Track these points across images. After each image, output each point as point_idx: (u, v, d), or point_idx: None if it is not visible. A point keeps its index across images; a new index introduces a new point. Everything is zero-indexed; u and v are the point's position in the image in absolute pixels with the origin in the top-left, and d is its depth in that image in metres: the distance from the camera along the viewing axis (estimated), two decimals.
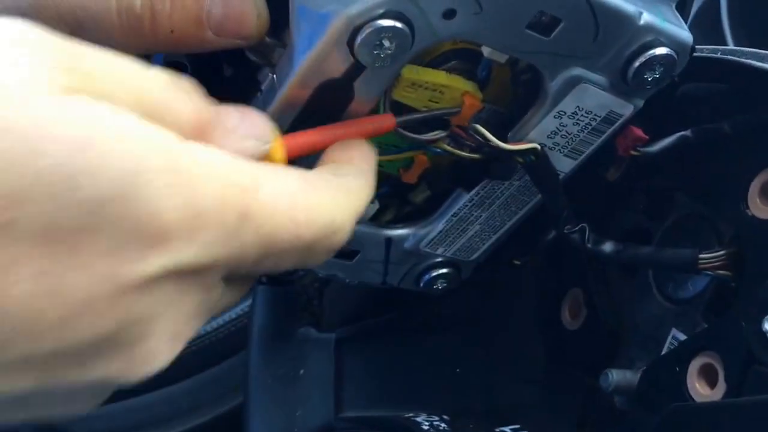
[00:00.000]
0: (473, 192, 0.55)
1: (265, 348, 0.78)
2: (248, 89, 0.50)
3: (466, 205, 0.56)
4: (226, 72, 0.51)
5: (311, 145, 0.45)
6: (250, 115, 0.42)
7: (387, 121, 0.47)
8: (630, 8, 0.47)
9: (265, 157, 0.41)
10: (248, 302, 0.97)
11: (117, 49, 0.49)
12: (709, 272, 0.53)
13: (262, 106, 0.47)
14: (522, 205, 0.57)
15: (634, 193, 0.62)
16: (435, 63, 0.49)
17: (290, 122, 0.47)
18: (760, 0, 0.80)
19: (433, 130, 0.51)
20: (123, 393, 1.01)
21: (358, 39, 0.43)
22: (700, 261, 0.52)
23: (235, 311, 1.04)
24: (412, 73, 0.48)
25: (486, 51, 0.48)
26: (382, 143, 0.51)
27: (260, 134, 0.41)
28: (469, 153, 0.52)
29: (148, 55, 0.52)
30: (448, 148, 0.52)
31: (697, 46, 0.51)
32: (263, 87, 0.48)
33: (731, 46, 0.61)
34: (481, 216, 0.57)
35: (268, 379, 0.71)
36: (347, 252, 0.57)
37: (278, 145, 0.42)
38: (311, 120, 0.47)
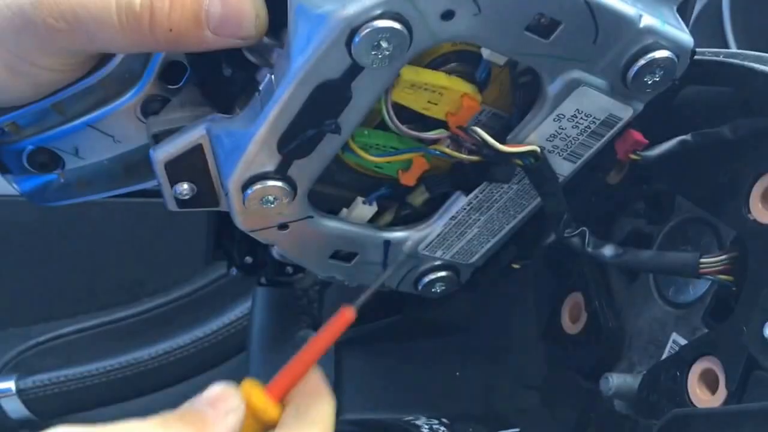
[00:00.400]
0: (472, 195, 0.55)
1: (264, 350, 0.79)
2: (247, 89, 0.50)
3: (465, 209, 0.56)
4: (225, 72, 0.51)
5: (290, 386, 0.46)
6: None
7: (347, 315, 0.47)
8: (630, 10, 0.46)
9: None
10: (248, 304, 0.97)
11: (117, 47, 0.50)
12: (710, 277, 0.53)
13: (260, 107, 0.47)
14: (521, 209, 0.57)
15: (634, 196, 0.62)
16: (434, 64, 0.49)
17: (288, 123, 0.47)
18: (762, 3, 0.80)
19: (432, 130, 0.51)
20: (120, 396, 1.03)
21: (356, 39, 0.43)
22: (701, 265, 0.52)
23: (235, 314, 1.05)
24: (412, 74, 0.48)
25: (485, 53, 0.48)
26: (381, 145, 0.51)
27: None
28: (467, 155, 0.52)
29: (149, 54, 0.52)
30: (447, 150, 0.52)
31: (698, 49, 0.51)
32: (261, 87, 0.48)
33: (733, 50, 0.61)
34: (479, 219, 0.57)
35: (269, 377, 0.72)
36: (346, 254, 0.57)
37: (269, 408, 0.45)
38: (308, 120, 0.47)
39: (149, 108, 0.54)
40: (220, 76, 0.52)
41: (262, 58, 0.49)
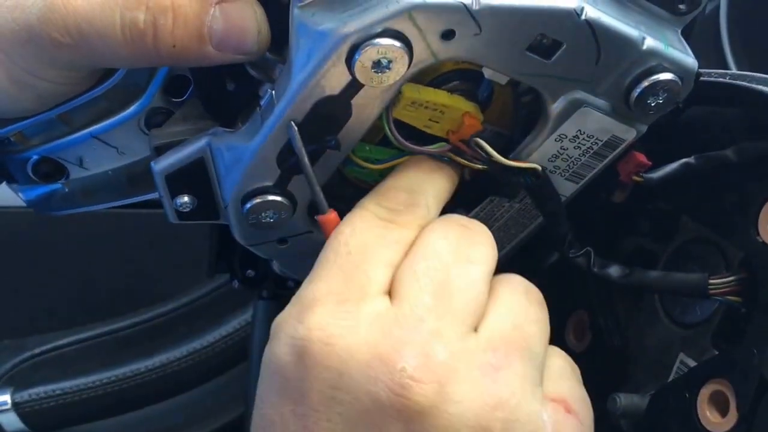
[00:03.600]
0: (473, 213, 0.57)
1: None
2: (249, 104, 0.52)
3: None
4: (228, 86, 0.54)
5: None
6: None
7: None
8: (633, 33, 0.49)
9: None
10: (246, 315, 1.00)
11: (121, 62, 0.53)
12: (719, 297, 0.54)
13: (261, 122, 0.50)
14: (522, 228, 0.60)
15: (639, 215, 0.63)
16: (436, 82, 0.51)
17: (287, 138, 0.49)
18: (760, 18, 0.81)
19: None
20: (118, 408, 1.04)
21: (356, 57, 0.45)
22: (710, 286, 0.54)
23: (233, 325, 1.07)
24: (413, 91, 0.50)
25: (487, 72, 0.50)
26: (383, 160, 0.54)
27: None
28: (472, 163, 0.54)
29: (153, 68, 0.56)
30: (455, 157, 0.54)
31: (704, 70, 0.53)
32: (262, 102, 0.50)
33: (738, 71, 0.63)
34: None
35: None
36: None
37: None
38: (308, 136, 0.49)
39: (153, 120, 0.57)
40: (223, 91, 0.54)
41: (264, 73, 0.52)
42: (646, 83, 0.50)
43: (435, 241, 0.49)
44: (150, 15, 0.49)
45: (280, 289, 0.74)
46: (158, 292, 1.13)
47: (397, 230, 0.50)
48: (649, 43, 0.49)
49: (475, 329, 0.48)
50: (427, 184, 0.52)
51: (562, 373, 0.51)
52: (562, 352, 0.53)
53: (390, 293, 0.48)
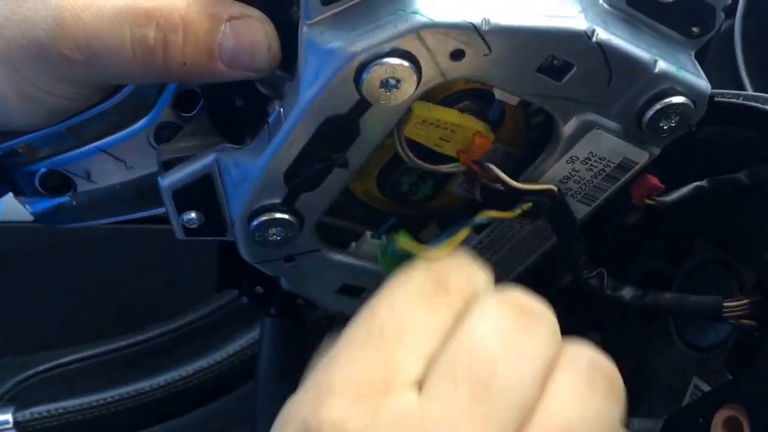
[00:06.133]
0: (483, 234, 0.59)
1: (273, 384, 0.83)
2: (258, 121, 0.54)
3: (476, 248, 0.60)
4: (238, 103, 0.56)
5: None
6: None
7: None
8: (645, 55, 0.50)
9: None
10: (254, 333, 1.01)
11: (130, 79, 0.55)
12: (734, 321, 0.56)
13: (268, 139, 0.52)
14: (533, 250, 0.61)
15: (652, 236, 0.65)
16: (447, 101, 0.53)
17: (295, 156, 0.51)
18: None
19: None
20: (122, 428, 1.05)
21: (364, 76, 0.47)
22: (725, 309, 0.55)
23: (240, 344, 1.09)
24: (424, 110, 0.52)
25: (497, 92, 0.52)
26: None
27: None
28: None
29: (162, 83, 0.58)
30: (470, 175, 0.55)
31: (718, 91, 0.55)
32: (270, 119, 0.52)
33: (753, 92, 0.64)
34: (490, 259, 0.60)
35: (277, 411, 0.75)
36: (354, 288, 0.62)
37: None
38: (316, 154, 0.51)
39: (162, 135, 0.59)
40: (232, 107, 0.56)
41: (273, 90, 0.54)
42: (658, 106, 0.52)
43: (484, 329, 0.44)
44: (160, 32, 0.51)
45: (289, 306, 0.76)
46: (164, 309, 1.15)
47: (442, 316, 0.45)
48: (662, 66, 0.51)
49: None
50: (475, 267, 0.49)
51: None
52: None
53: (421, 386, 0.43)
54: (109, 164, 0.61)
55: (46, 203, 0.64)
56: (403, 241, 0.51)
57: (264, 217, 0.54)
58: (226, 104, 0.57)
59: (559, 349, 0.45)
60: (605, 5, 0.51)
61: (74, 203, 0.63)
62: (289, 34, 0.52)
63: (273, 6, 0.54)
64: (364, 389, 0.42)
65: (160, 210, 0.60)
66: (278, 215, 0.54)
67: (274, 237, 0.55)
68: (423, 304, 0.45)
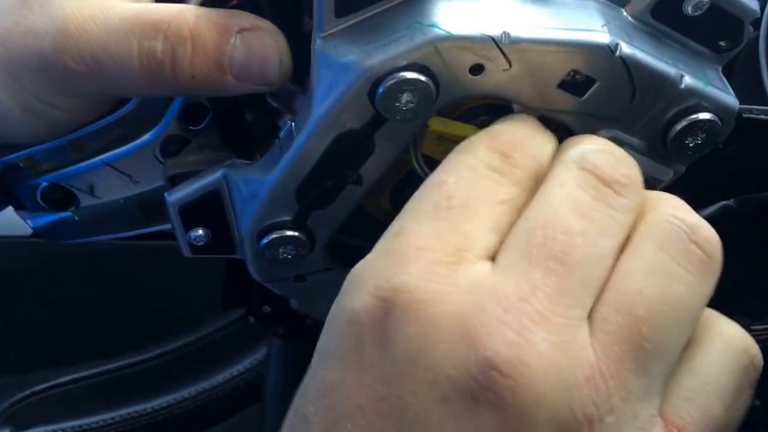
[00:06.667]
0: None
1: (281, 407, 0.83)
2: (268, 135, 0.55)
3: None
4: (247, 117, 0.57)
5: None
6: None
7: None
8: (670, 71, 0.50)
9: None
10: (259, 354, 1.01)
11: (137, 91, 0.56)
12: (761, 344, 0.56)
13: (279, 154, 0.52)
14: None
15: None
16: (464, 116, 0.53)
17: (307, 172, 0.52)
18: None
19: None
20: None
21: (379, 91, 0.47)
22: (752, 332, 0.55)
23: (244, 365, 1.08)
24: (440, 125, 0.51)
25: (516, 108, 0.51)
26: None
27: None
28: None
29: (169, 97, 0.58)
30: None
31: (746, 107, 0.54)
32: (281, 134, 0.53)
33: None
34: None
35: None
36: None
37: None
38: (329, 170, 0.51)
39: (169, 149, 0.59)
40: (241, 121, 0.57)
41: (284, 104, 0.54)
42: (684, 123, 0.52)
43: (560, 201, 0.44)
44: (168, 44, 0.51)
45: (298, 327, 0.76)
46: (166, 328, 1.15)
47: (510, 187, 0.45)
48: (688, 81, 0.51)
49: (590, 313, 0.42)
50: (544, 135, 0.49)
51: (701, 388, 0.44)
52: (727, 348, 0.46)
53: (494, 259, 0.43)
54: (113, 178, 0.61)
55: (48, 218, 0.64)
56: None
57: (274, 235, 0.54)
58: (235, 118, 0.57)
59: (645, 216, 0.45)
60: (629, 18, 0.51)
61: (76, 218, 0.64)
62: (301, 47, 0.52)
63: (284, 17, 0.54)
64: (438, 257, 0.42)
65: (166, 226, 0.60)
66: (289, 233, 0.54)
67: (285, 255, 0.55)
68: (489, 177, 0.45)
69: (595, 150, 0.46)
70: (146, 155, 0.60)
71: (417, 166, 0.53)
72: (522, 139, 0.48)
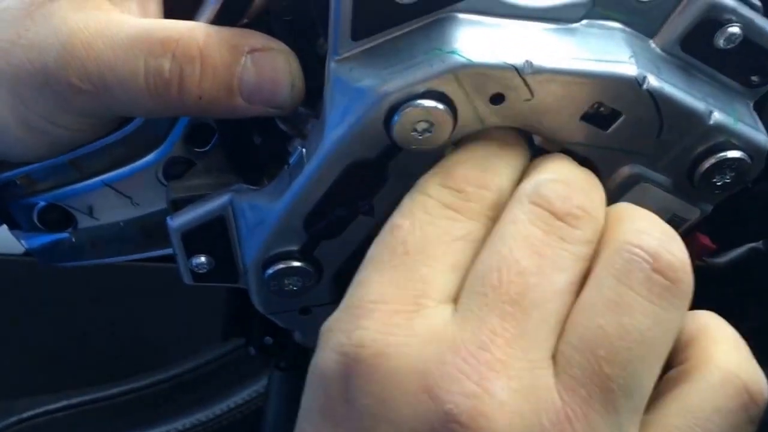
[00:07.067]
0: None
1: None
2: (277, 160, 0.54)
3: None
4: (255, 140, 0.56)
5: None
6: None
7: None
8: (699, 106, 0.49)
9: None
10: (258, 386, 1.00)
11: (142, 112, 0.55)
12: None
13: (288, 181, 0.51)
14: None
15: (702, 298, 0.64)
16: None
17: (317, 201, 0.51)
18: None
19: None
20: None
21: (395, 118, 0.46)
22: None
23: (242, 396, 1.07)
24: None
25: (537, 139, 0.51)
26: None
27: None
28: None
29: (174, 116, 0.58)
30: None
31: None
32: (291, 160, 0.52)
33: None
34: None
35: None
36: None
37: None
38: (340, 200, 0.51)
39: (172, 170, 0.59)
40: (249, 144, 0.56)
41: (295, 128, 0.54)
42: (712, 160, 0.51)
43: (512, 240, 0.43)
44: (176, 64, 0.51)
45: (301, 359, 0.75)
46: (161, 355, 1.14)
47: (467, 222, 0.45)
48: (717, 117, 0.50)
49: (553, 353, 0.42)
50: (501, 161, 0.48)
51: (690, 429, 0.43)
52: (724, 383, 0.44)
53: (456, 304, 0.43)
54: (113, 200, 0.61)
55: (44, 239, 0.63)
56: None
57: (280, 266, 0.53)
58: (242, 141, 0.57)
59: (605, 245, 0.44)
60: (658, 50, 0.50)
61: (74, 240, 0.63)
62: (314, 68, 0.52)
63: (298, 37, 0.54)
64: (394, 307, 0.43)
65: (167, 251, 0.59)
66: (295, 264, 0.53)
67: (290, 287, 0.54)
68: (444, 215, 0.45)
69: (549, 180, 0.46)
70: (148, 177, 0.60)
71: None
72: (477, 170, 0.47)
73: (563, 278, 0.43)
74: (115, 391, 1.11)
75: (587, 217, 0.44)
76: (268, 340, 0.74)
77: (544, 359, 0.41)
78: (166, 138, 0.58)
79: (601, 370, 0.41)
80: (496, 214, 0.45)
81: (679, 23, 0.50)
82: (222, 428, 1.07)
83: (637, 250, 0.43)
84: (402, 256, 0.44)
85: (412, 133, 0.47)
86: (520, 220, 0.44)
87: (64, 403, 1.09)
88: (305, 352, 0.71)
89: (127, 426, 1.06)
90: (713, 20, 0.50)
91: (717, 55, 0.51)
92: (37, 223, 0.61)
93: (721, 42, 0.50)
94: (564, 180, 0.46)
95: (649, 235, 0.44)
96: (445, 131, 0.47)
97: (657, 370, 0.43)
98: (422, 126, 0.47)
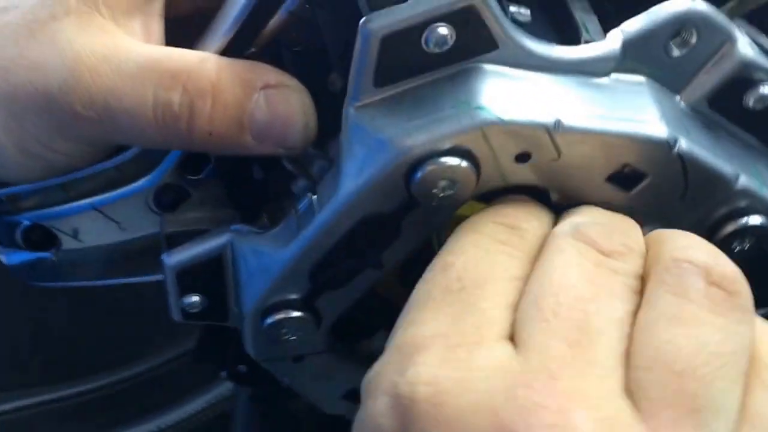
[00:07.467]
0: None
1: None
2: (279, 198, 0.53)
3: None
4: (256, 175, 0.54)
5: None
6: None
7: None
8: (727, 169, 0.48)
9: None
10: (210, 395, 0.97)
11: (147, 143, 0.53)
12: None
13: (296, 229, 0.49)
14: None
15: None
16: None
17: (325, 252, 0.49)
18: None
19: None
20: None
21: (417, 175, 0.45)
22: None
23: (200, 404, 1.04)
24: (467, 210, 0.49)
25: (554, 196, 0.49)
26: None
27: None
28: None
29: None
30: None
31: None
32: (300, 206, 0.50)
33: None
34: None
35: None
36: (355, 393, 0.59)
37: None
38: (349, 252, 0.49)
39: (164, 198, 0.57)
40: (248, 178, 0.54)
41: (301, 168, 0.52)
42: (732, 227, 0.50)
43: (565, 267, 0.42)
44: (187, 97, 0.49)
45: (275, 393, 0.73)
46: (117, 355, 1.09)
47: (523, 261, 0.43)
48: (743, 182, 0.49)
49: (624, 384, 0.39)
50: (539, 207, 0.47)
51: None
52: None
53: (512, 338, 0.41)
54: (100, 223, 0.59)
55: (25, 256, 0.61)
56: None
57: (280, 315, 0.52)
58: (241, 174, 0.55)
59: (652, 267, 0.42)
60: (684, 106, 0.49)
61: (55, 260, 0.61)
62: (326, 107, 0.50)
63: (308, 71, 0.52)
64: (454, 341, 0.40)
65: (150, 278, 0.58)
66: (296, 314, 0.52)
67: (288, 336, 0.53)
68: (500, 251, 0.43)
69: (587, 222, 0.44)
70: (138, 202, 0.57)
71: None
72: (525, 212, 0.46)
73: (621, 307, 0.41)
74: (73, 390, 1.06)
75: (632, 253, 0.43)
76: (242, 368, 0.72)
77: (617, 389, 0.38)
78: (160, 164, 0.56)
79: (681, 387, 0.38)
80: (542, 252, 0.44)
81: (708, 80, 0.49)
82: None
83: (688, 265, 0.41)
84: (457, 292, 0.42)
85: (433, 191, 0.45)
86: (567, 250, 0.42)
87: (18, 403, 1.05)
88: (280, 386, 0.70)
89: (87, 430, 1.04)
90: (745, 79, 0.48)
91: (746, 115, 0.50)
92: (20, 242, 0.59)
93: (751, 102, 0.49)
94: (601, 222, 0.45)
95: (697, 249, 0.42)
96: (467, 189, 0.46)
97: (739, 392, 0.39)
98: (444, 183, 0.45)
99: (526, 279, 0.42)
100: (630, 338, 0.40)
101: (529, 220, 0.45)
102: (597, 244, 0.43)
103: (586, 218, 0.45)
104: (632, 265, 0.42)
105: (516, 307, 0.41)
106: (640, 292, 0.42)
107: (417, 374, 0.39)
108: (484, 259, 0.43)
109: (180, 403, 1.05)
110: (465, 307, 0.41)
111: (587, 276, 0.41)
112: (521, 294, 0.42)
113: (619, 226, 0.45)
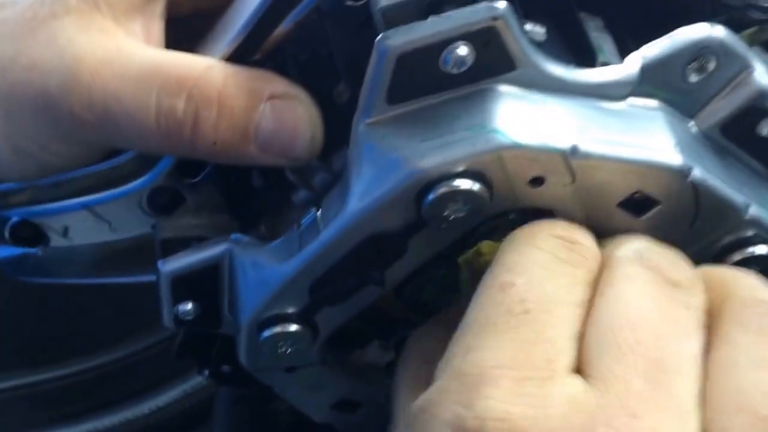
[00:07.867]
0: None
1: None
2: (277, 208, 0.52)
3: None
4: (255, 182, 0.53)
5: None
6: None
7: None
8: (738, 199, 0.48)
9: None
10: (185, 386, 0.97)
11: (147, 148, 0.52)
12: None
13: (299, 244, 0.49)
14: None
15: None
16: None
17: (328, 268, 0.48)
18: None
19: None
20: None
21: (429, 197, 0.44)
22: None
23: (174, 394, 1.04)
24: (491, 248, 0.48)
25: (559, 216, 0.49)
26: None
27: None
28: None
29: None
30: None
31: None
32: (303, 221, 0.49)
33: None
34: None
35: None
36: (351, 404, 0.59)
37: None
38: (352, 268, 0.48)
39: (157, 200, 0.56)
40: (247, 186, 0.53)
41: (302, 179, 0.51)
42: (738, 256, 0.49)
43: (637, 299, 0.40)
44: (192, 104, 0.48)
45: (260, 395, 0.73)
46: (88, 341, 1.08)
47: (585, 285, 0.41)
48: (753, 211, 0.48)
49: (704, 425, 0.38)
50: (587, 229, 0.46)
51: None
52: None
53: (580, 370, 0.39)
54: (90, 223, 0.58)
55: (11, 251, 0.60)
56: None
57: (277, 329, 0.51)
58: (240, 181, 0.54)
59: (723, 304, 0.42)
60: (696, 132, 0.49)
61: (41, 256, 0.60)
62: (331, 117, 0.49)
63: (313, 81, 0.51)
64: (524, 374, 0.38)
65: (136, 279, 0.58)
66: (293, 328, 0.51)
67: (284, 349, 0.52)
68: (563, 273, 0.41)
69: (651, 249, 0.44)
70: (130, 204, 0.57)
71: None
72: (573, 226, 0.45)
73: (696, 344, 0.40)
74: (37, 378, 1.05)
75: (698, 287, 0.42)
76: (225, 368, 0.71)
77: (698, 430, 0.38)
78: (154, 166, 0.55)
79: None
80: (601, 277, 0.42)
81: (723, 106, 0.48)
82: (150, 426, 1.04)
83: (765, 305, 0.41)
84: (521, 316, 0.40)
85: (444, 213, 0.44)
86: (635, 279, 0.41)
87: None
88: (265, 389, 0.70)
89: (52, 419, 1.03)
90: (759, 108, 0.48)
91: (758, 143, 0.49)
92: (7, 237, 0.58)
93: (765, 130, 0.49)
94: (661, 250, 0.44)
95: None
96: (477, 212, 0.45)
97: None
98: (455, 206, 0.44)
99: (588, 304, 0.41)
100: (705, 377, 0.39)
101: (586, 235, 0.44)
102: (664, 274, 0.42)
103: (644, 244, 0.44)
104: (700, 299, 0.42)
105: (580, 336, 0.40)
106: (707, 327, 0.41)
107: (486, 408, 0.37)
108: (547, 280, 0.41)
109: (156, 391, 1.04)
110: (531, 334, 0.39)
111: (662, 310, 0.40)
112: (585, 322, 0.40)
113: (682, 258, 0.44)
